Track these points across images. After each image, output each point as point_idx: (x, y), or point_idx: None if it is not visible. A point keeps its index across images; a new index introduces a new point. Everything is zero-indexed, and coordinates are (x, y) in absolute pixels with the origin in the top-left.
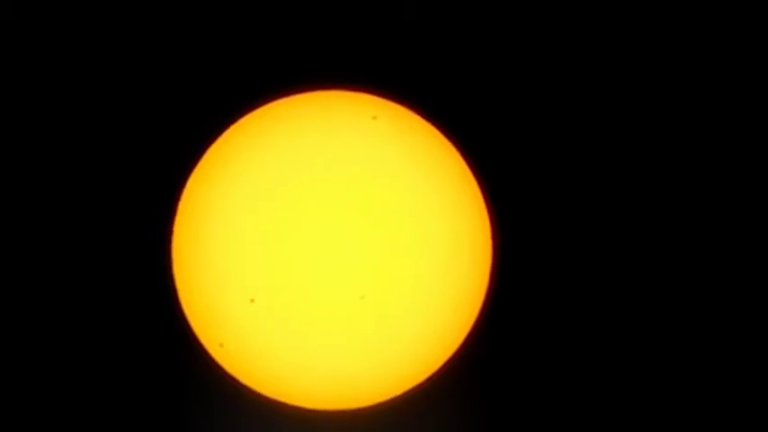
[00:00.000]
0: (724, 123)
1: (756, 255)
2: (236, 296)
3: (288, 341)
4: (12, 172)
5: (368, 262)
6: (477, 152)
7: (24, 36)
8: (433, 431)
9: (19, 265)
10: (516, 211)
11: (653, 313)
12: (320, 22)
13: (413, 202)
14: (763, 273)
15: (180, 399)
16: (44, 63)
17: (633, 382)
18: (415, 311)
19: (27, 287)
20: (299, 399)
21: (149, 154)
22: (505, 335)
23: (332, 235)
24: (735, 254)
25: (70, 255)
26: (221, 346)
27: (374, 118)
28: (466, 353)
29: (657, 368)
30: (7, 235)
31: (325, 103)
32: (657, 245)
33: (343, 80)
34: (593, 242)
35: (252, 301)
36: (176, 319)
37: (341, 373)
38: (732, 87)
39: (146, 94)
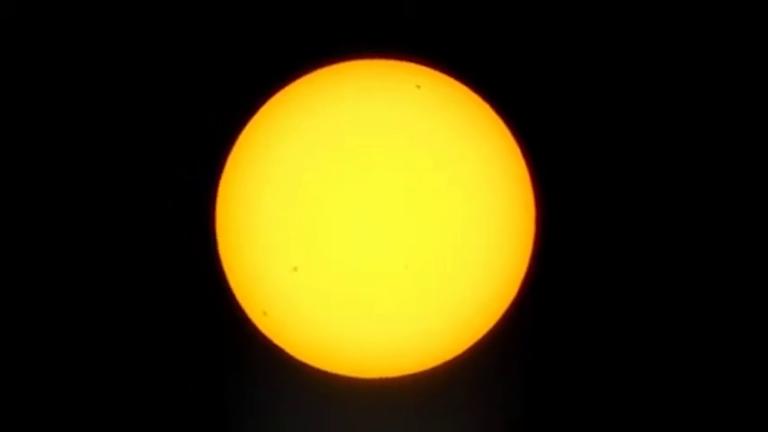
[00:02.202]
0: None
1: None
2: (280, 265)
3: (331, 310)
4: (61, 147)
5: (412, 231)
6: (520, 121)
7: (24, 35)
8: (475, 400)
9: (66, 235)
10: (560, 181)
11: (697, 284)
12: None
13: (456, 171)
14: None
15: (224, 366)
16: (68, 49)
17: (677, 354)
18: (459, 281)
19: (73, 256)
20: (341, 367)
21: (194, 124)
22: (548, 304)
23: (375, 204)
24: None
25: (116, 224)
26: (265, 314)
27: (418, 87)
28: (508, 322)
29: (700, 338)
30: (54, 207)
31: (369, 72)
32: (697, 211)
33: (388, 49)
34: (637, 213)
35: (295, 269)
36: (220, 287)
37: (383, 342)
38: None
39: (192, 63)
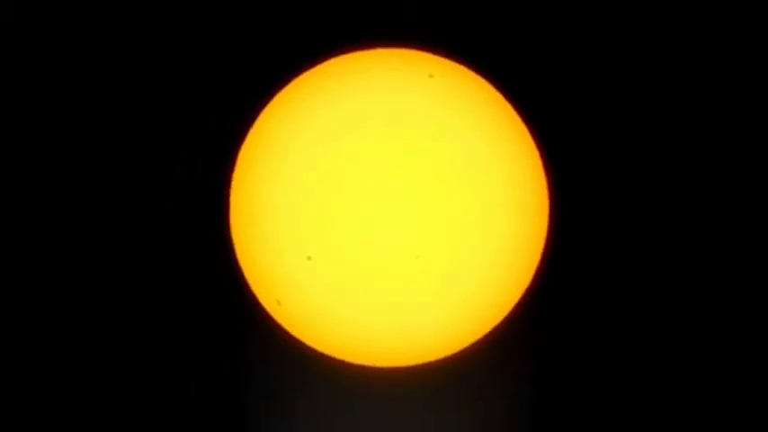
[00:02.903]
0: None
1: None
2: (294, 254)
3: (345, 299)
4: (68, 137)
5: (424, 221)
6: (533, 109)
7: (25, 35)
8: (488, 389)
9: (77, 227)
10: (573, 169)
11: (712, 278)
12: None
13: (469, 160)
14: None
15: (238, 356)
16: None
17: (690, 349)
18: (472, 271)
19: (84, 247)
20: (355, 356)
21: (207, 112)
22: (562, 293)
23: (388, 193)
24: None
25: (130, 216)
26: (279, 303)
27: (431, 76)
28: (522, 312)
29: (715, 334)
30: (65, 197)
31: (381, 61)
32: (712, 198)
33: (400, 39)
34: (651, 200)
35: (309, 258)
36: (234, 277)
37: (396, 331)
38: None
39: (206, 51)
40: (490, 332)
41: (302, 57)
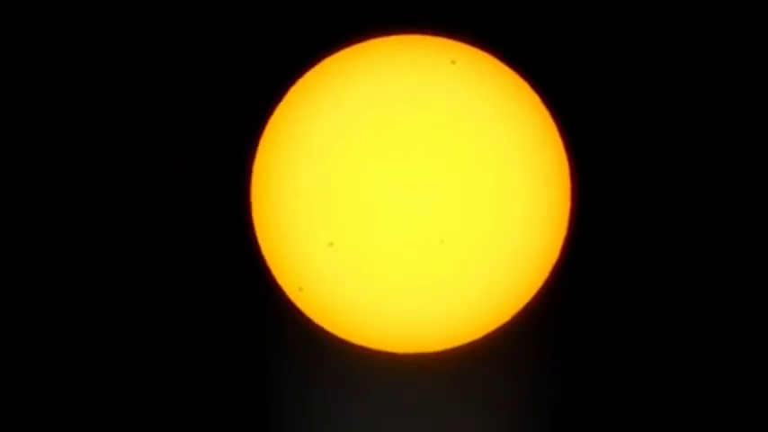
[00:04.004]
0: None
1: None
2: (316, 240)
3: (366, 285)
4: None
5: (447, 207)
6: (555, 95)
7: (25, 34)
8: (512, 375)
9: (99, 212)
10: (596, 154)
11: (739, 260)
12: None
13: (492, 146)
14: None
15: (259, 342)
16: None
17: (718, 336)
18: (494, 256)
19: (104, 233)
20: (377, 342)
21: (230, 98)
22: (584, 279)
23: (410, 179)
24: None
25: (151, 198)
26: (300, 289)
27: (453, 62)
28: (545, 297)
29: (742, 316)
30: (94, 182)
31: (404, 47)
32: (739, 185)
33: (423, 24)
34: (673, 184)
35: (331, 244)
36: (256, 262)
37: (419, 317)
38: None
39: (228, 36)
40: (513, 318)
41: (324, 43)
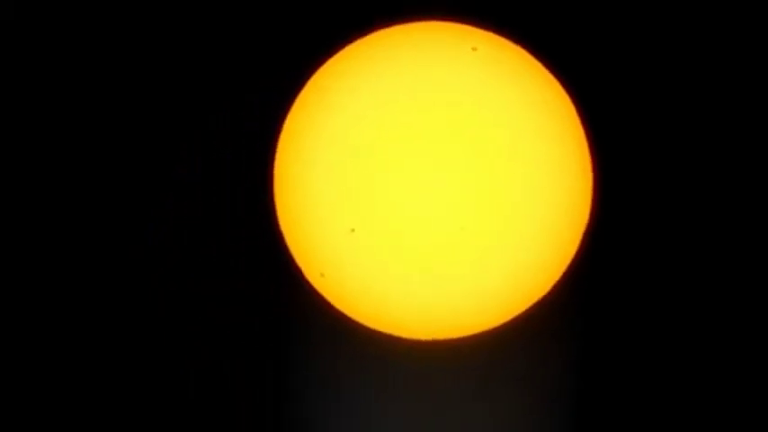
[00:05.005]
0: None
1: None
2: (337, 226)
3: (388, 271)
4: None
5: (468, 193)
6: (576, 81)
7: (26, 34)
8: (533, 361)
9: (126, 202)
10: (617, 141)
11: (760, 240)
12: None
13: (512, 132)
14: None
15: (281, 328)
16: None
17: (742, 327)
18: (516, 243)
19: (131, 223)
20: (398, 329)
21: (251, 86)
22: (606, 266)
23: (432, 166)
24: None
25: (173, 187)
26: (322, 275)
27: (474, 49)
28: (566, 285)
29: (764, 303)
30: (118, 172)
31: (425, 34)
32: (753, 174)
33: (444, 11)
34: (694, 172)
35: (352, 230)
36: (278, 249)
37: (440, 303)
38: None
39: (252, 22)
40: (535, 304)
41: (346, 30)
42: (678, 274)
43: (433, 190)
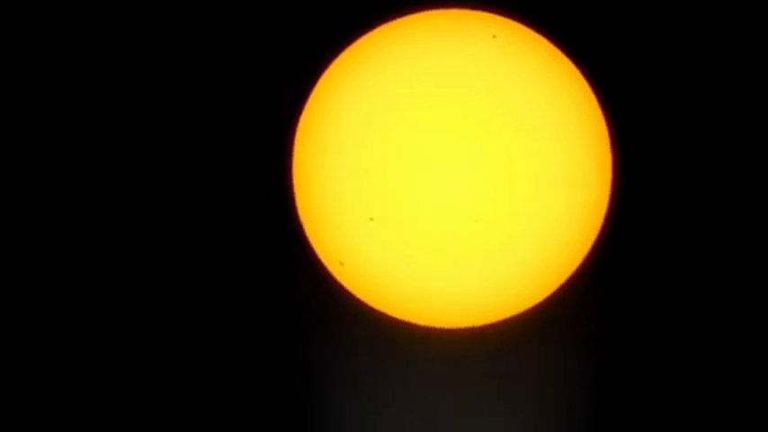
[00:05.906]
0: None
1: None
2: (356, 215)
3: (406, 260)
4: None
5: (486, 182)
6: (596, 69)
7: (26, 34)
8: (549, 351)
9: (147, 194)
10: (637, 132)
11: None
12: None
13: (532, 121)
14: None
15: (301, 316)
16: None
17: (761, 300)
18: (534, 232)
19: (151, 217)
20: (416, 317)
21: (269, 76)
22: (622, 257)
23: (450, 155)
24: None
25: (194, 178)
26: (341, 264)
27: (494, 37)
28: (582, 276)
29: None
30: (140, 168)
31: (445, 21)
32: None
33: None
34: (714, 164)
35: (371, 220)
36: (297, 238)
37: (458, 292)
38: None
39: (272, 10)
40: (552, 294)
41: (366, 18)
42: (697, 265)
43: (451, 178)
